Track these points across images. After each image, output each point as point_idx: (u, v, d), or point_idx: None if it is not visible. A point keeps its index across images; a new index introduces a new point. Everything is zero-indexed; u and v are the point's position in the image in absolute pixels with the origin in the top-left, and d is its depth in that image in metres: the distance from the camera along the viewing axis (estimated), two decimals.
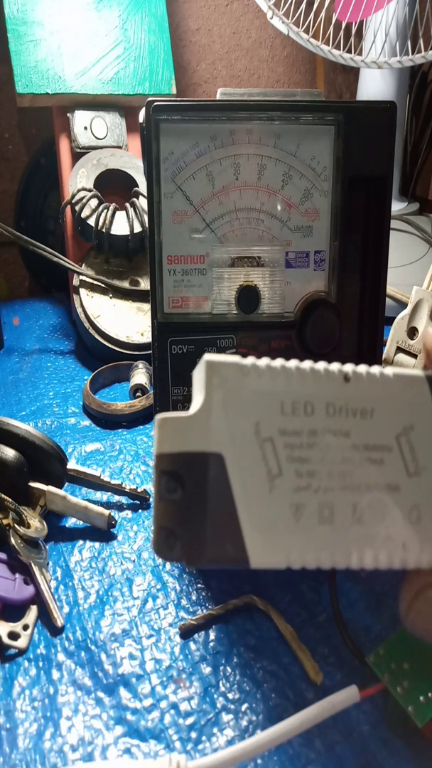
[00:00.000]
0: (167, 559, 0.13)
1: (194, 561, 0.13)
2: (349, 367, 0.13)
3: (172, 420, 0.13)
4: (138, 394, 0.41)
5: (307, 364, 0.13)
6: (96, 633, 0.25)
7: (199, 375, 0.13)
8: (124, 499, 0.33)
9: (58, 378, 0.45)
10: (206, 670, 0.24)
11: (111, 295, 0.47)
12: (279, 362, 0.13)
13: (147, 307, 0.47)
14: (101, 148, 0.50)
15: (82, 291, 0.47)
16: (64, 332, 0.52)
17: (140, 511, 0.32)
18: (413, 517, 0.13)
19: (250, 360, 0.13)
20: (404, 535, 0.13)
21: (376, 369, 0.14)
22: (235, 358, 0.13)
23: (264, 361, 0.13)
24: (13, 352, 0.49)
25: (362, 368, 0.14)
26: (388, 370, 0.14)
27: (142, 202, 0.47)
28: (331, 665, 0.24)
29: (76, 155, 0.49)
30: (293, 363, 0.13)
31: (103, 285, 0.47)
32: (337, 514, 0.13)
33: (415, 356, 0.32)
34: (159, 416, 0.13)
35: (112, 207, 0.47)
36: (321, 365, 0.13)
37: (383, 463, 0.13)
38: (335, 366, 0.13)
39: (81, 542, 0.30)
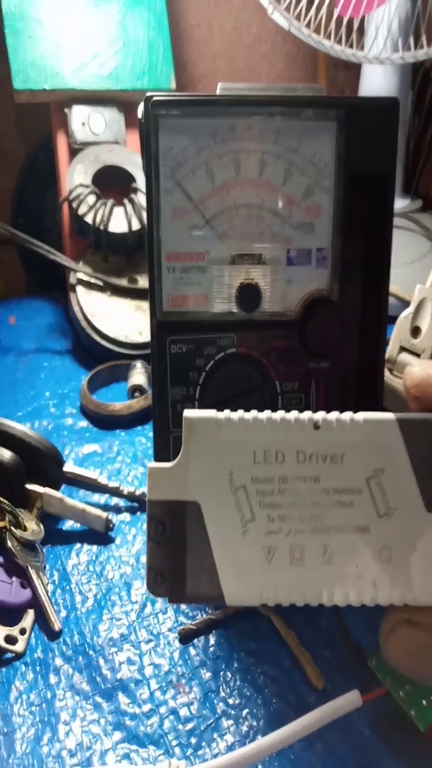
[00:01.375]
0: (157, 595, 0.14)
1: (177, 599, 0.14)
2: (319, 416, 0.14)
3: (158, 470, 0.14)
4: (136, 394, 0.41)
5: (278, 414, 0.14)
6: (94, 637, 0.25)
7: (182, 429, 0.14)
8: (122, 502, 0.32)
9: (55, 378, 0.45)
10: (206, 675, 0.23)
11: (109, 294, 0.47)
12: (252, 414, 0.14)
13: (145, 305, 0.47)
14: (99, 143, 0.49)
15: (80, 289, 0.46)
16: (61, 331, 0.52)
17: (138, 513, 0.32)
18: (384, 557, 0.14)
19: (224, 414, 0.14)
20: (374, 574, 0.14)
21: (346, 415, 0.14)
22: (210, 413, 0.14)
23: (238, 414, 0.14)
24: (9, 352, 0.49)
25: (332, 416, 0.14)
26: (359, 416, 0.14)
27: (141, 199, 0.47)
28: (333, 670, 0.23)
29: (74, 151, 0.49)
30: (265, 414, 0.14)
31: (100, 283, 0.47)
32: (308, 555, 0.14)
33: (418, 355, 0.32)
34: (149, 466, 0.14)
35: (109, 203, 0.46)
36: (292, 415, 0.14)
37: (353, 506, 0.14)
38: (306, 415, 0.14)
39: (78, 545, 0.30)
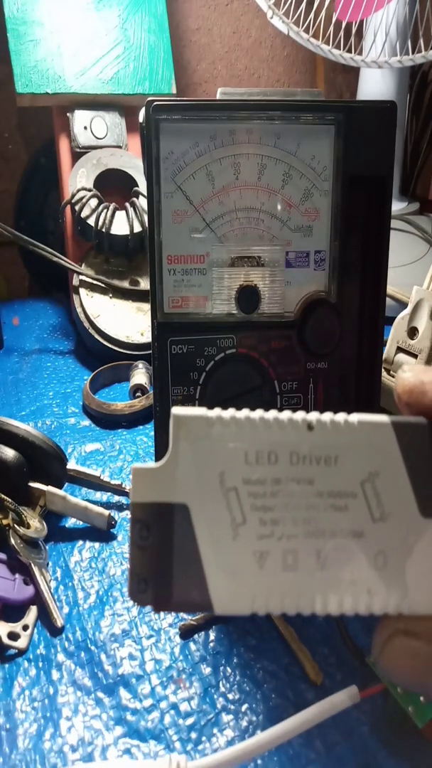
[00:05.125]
0: (140, 603, 0.13)
1: (162, 607, 0.13)
2: (313, 416, 0.14)
3: (144, 470, 0.13)
4: (138, 394, 0.41)
5: (271, 414, 0.14)
6: (96, 633, 0.25)
7: (170, 427, 0.14)
8: (123, 500, 0.33)
9: (58, 378, 0.45)
10: (206, 670, 0.24)
11: (111, 295, 0.47)
12: (244, 413, 0.14)
13: (147, 306, 0.47)
14: (101, 147, 0.50)
15: (82, 291, 0.47)
16: (64, 332, 0.52)
17: None
18: (379, 563, 0.14)
19: (215, 412, 0.14)
20: (369, 580, 0.14)
21: (340, 416, 0.14)
22: (200, 411, 0.14)
23: (229, 413, 0.14)
24: (13, 352, 0.49)
25: (326, 416, 0.14)
26: (353, 417, 0.14)
27: (142, 202, 0.47)
28: (331, 666, 0.24)
29: (76, 155, 0.49)
30: (258, 413, 0.14)
31: (102, 285, 0.47)
32: (301, 560, 0.13)
33: (415, 356, 0.32)
34: (134, 466, 0.14)
35: (111, 207, 0.47)
36: (285, 415, 0.14)
37: (347, 510, 0.14)
38: (299, 415, 0.14)
39: (81, 542, 0.30)
